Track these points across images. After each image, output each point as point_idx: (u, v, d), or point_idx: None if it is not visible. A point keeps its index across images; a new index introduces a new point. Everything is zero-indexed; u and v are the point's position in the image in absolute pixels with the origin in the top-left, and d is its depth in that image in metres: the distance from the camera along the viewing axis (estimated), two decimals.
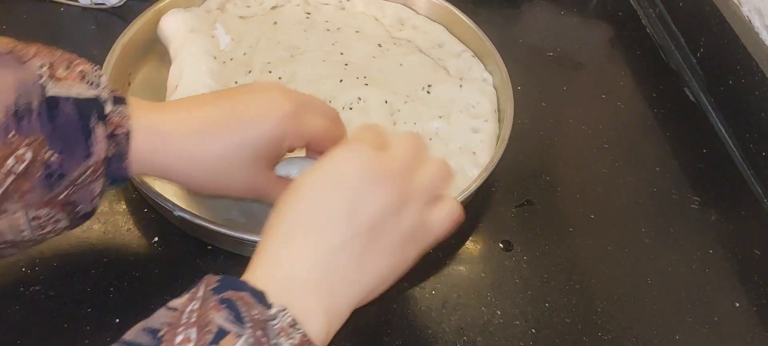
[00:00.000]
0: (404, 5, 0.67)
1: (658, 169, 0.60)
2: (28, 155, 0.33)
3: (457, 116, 0.57)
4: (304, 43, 0.61)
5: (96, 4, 0.67)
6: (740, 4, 0.66)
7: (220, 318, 0.27)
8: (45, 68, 0.34)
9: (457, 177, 0.52)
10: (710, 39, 0.68)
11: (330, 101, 0.55)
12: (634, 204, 0.57)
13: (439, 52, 0.64)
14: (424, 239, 0.36)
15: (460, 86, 0.60)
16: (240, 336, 0.27)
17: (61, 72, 0.35)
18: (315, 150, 0.43)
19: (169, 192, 0.47)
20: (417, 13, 0.67)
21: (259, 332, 0.27)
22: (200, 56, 0.53)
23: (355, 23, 0.65)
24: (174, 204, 0.45)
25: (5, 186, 0.33)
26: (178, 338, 0.27)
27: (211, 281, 0.29)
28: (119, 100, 0.37)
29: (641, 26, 0.78)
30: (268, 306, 0.29)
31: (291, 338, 0.28)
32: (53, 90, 0.34)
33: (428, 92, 0.59)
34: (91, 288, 0.45)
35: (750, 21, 0.65)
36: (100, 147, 0.35)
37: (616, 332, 0.47)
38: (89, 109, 0.35)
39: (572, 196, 0.56)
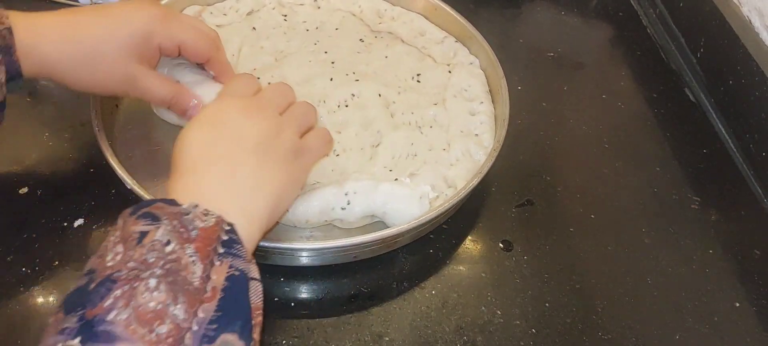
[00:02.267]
0: None
1: (658, 169, 0.60)
2: None
3: (451, 101, 0.57)
4: (287, 46, 0.61)
5: (96, 4, 0.68)
6: (740, 4, 0.66)
7: (139, 226, 0.31)
8: None
9: (464, 162, 0.52)
10: (710, 39, 0.68)
11: (324, 101, 0.55)
12: (635, 204, 0.57)
13: (422, 40, 0.64)
14: (308, 157, 0.43)
15: (449, 72, 0.60)
16: (158, 228, 0.31)
17: None
18: (189, 56, 0.48)
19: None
20: (393, 5, 0.67)
21: (175, 222, 0.31)
22: (185, 67, 0.53)
23: (333, 21, 0.65)
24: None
25: None
26: (108, 258, 0.30)
27: (126, 211, 0.33)
28: None
29: (641, 26, 0.78)
30: (180, 205, 0.33)
31: (206, 221, 0.32)
32: None
33: (418, 81, 0.59)
34: None
35: (750, 21, 0.65)
36: None
37: (616, 332, 0.47)
38: None
39: (572, 196, 0.56)
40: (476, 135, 0.55)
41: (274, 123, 0.40)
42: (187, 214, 0.32)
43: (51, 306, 0.43)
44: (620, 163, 0.60)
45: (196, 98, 0.48)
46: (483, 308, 0.47)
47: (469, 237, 0.52)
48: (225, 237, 0.32)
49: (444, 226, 0.52)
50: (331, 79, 0.57)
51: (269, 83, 0.56)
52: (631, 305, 0.49)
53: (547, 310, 0.48)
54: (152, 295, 0.28)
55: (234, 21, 0.63)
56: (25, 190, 0.50)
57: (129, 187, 0.45)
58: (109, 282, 0.29)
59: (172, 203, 0.33)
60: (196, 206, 0.33)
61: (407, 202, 0.46)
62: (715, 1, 0.67)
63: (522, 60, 0.70)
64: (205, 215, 0.32)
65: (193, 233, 0.31)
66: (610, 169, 0.60)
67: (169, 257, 0.30)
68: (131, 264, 0.29)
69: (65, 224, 0.48)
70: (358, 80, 0.58)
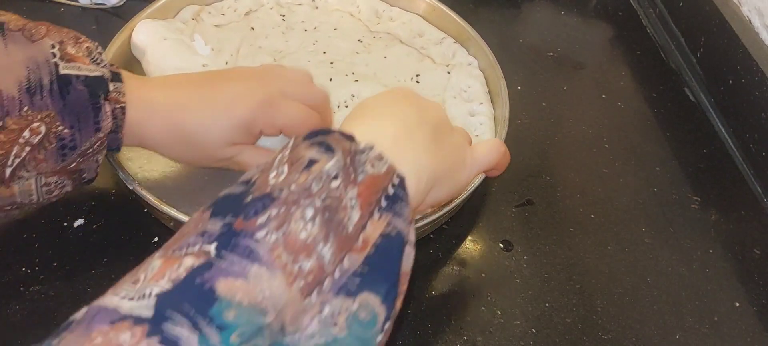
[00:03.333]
0: None
1: (658, 169, 0.60)
2: (43, 129, 0.36)
3: (451, 102, 0.57)
4: (285, 46, 0.61)
5: (96, 4, 0.67)
6: (740, 4, 0.66)
7: (311, 152, 0.30)
8: (56, 47, 0.37)
9: None
10: (710, 39, 0.68)
11: None
12: (634, 204, 0.57)
13: (421, 41, 0.64)
14: (473, 164, 0.40)
15: (448, 73, 0.60)
16: (330, 159, 0.29)
17: (70, 49, 0.38)
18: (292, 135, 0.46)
19: (164, 195, 0.47)
20: (391, 5, 0.67)
21: (347, 159, 0.30)
22: (184, 68, 0.53)
23: (331, 21, 0.65)
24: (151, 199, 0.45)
25: (22, 156, 0.36)
26: (271, 174, 0.29)
27: (299, 136, 0.31)
28: (116, 77, 0.40)
29: (641, 26, 0.78)
30: (357, 143, 0.31)
31: (376, 167, 0.30)
32: (65, 69, 0.37)
33: (418, 82, 0.59)
34: (91, 288, 0.45)
35: (750, 21, 0.65)
36: (107, 122, 0.39)
37: (617, 332, 0.47)
38: (98, 87, 0.38)
39: (572, 196, 0.56)
40: (476, 136, 0.55)
41: (448, 120, 0.39)
42: (362, 153, 0.31)
43: (51, 306, 0.43)
44: (620, 163, 0.60)
45: None
46: (483, 308, 0.47)
47: (469, 237, 0.52)
48: (391, 191, 0.30)
49: (444, 226, 0.52)
50: (331, 80, 0.57)
51: None
52: (631, 305, 0.49)
53: (547, 310, 0.48)
54: (306, 226, 0.27)
55: (232, 21, 0.63)
56: None
57: (131, 188, 0.45)
58: (267, 199, 0.27)
59: (350, 138, 0.31)
60: (372, 147, 0.31)
61: None
62: (715, 1, 0.67)
63: (522, 60, 0.70)
64: (379, 159, 0.31)
65: (360, 177, 0.29)
66: (610, 169, 0.60)
67: (332, 193, 0.28)
68: (294, 187, 0.28)
69: (65, 224, 0.48)
70: (357, 81, 0.58)
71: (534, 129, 0.62)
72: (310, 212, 0.27)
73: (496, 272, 0.50)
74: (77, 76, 0.37)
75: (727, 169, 0.62)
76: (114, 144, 0.41)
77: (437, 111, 0.38)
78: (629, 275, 0.51)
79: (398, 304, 0.29)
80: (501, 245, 0.52)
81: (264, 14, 0.64)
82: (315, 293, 0.27)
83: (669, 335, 0.47)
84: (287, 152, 0.30)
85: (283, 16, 0.64)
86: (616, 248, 0.53)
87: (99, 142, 0.39)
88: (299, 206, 0.27)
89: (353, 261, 0.28)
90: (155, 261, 0.26)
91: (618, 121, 0.65)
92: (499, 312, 0.47)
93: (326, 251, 0.27)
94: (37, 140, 0.36)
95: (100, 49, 0.40)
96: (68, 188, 0.41)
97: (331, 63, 0.59)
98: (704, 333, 0.48)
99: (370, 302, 0.28)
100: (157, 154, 0.44)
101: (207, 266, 0.25)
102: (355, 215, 0.28)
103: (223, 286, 0.24)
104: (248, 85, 0.43)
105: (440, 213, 0.46)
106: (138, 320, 0.23)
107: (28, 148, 0.36)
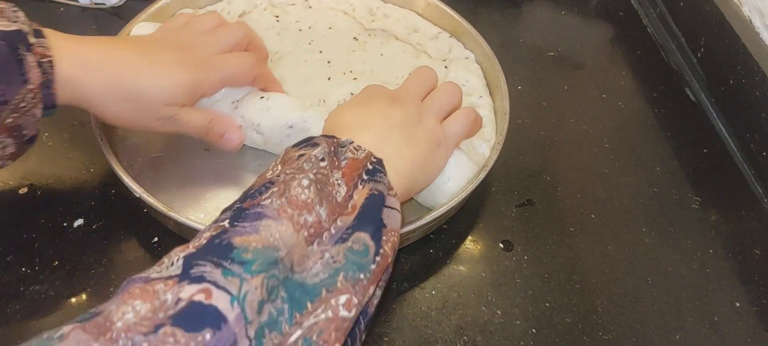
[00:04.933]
0: None
1: (658, 169, 0.60)
2: None
3: None
4: (281, 46, 0.61)
5: (96, 3, 0.67)
6: (741, 3, 0.66)
7: (299, 150, 0.36)
8: None
9: (468, 156, 0.52)
10: (711, 39, 0.68)
11: (324, 100, 0.55)
12: (635, 204, 0.56)
13: (416, 36, 0.64)
14: (447, 143, 0.45)
15: (446, 67, 0.60)
16: (316, 148, 0.35)
17: None
18: (235, 87, 0.49)
19: (163, 197, 0.47)
20: (384, 2, 0.67)
21: (331, 148, 0.36)
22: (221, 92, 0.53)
23: (325, 20, 0.65)
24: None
25: None
26: (268, 173, 0.35)
27: (289, 146, 0.37)
28: (38, 33, 0.40)
29: (642, 26, 0.78)
30: (338, 138, 0.37)
31: (356, 154, 0.36)
32: None
33: None
34: (91, 288, 0.45)
35: (750, 21, 0.65)
36: (34, 73, 0.38)
37: (617, 332, 0.47)
38: (16, 40, 0.38)
39: (572, 196, 0.56)
40: None
41: (416, 111, 0.43)
42: (343, 146, 0.37)
43: (50, 306, 0.43)
44: (620, 163, 0.60)
45: (231, 122, 0.48)
46: (483, 308, 0.47)
47: (469, 237, 0.52)
48: (370, 167, 0.36)
49: (444, 226, 0.52)
50: (329, 79, 0.57)
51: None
52: (631, 305, 0.49)
53: (547, 310, 0.48)
54: (304, 191, 0.32)
55: None
56: (25, 190, 0.50)
57: (138, 195, 0.45)
58: (268, 183, 0.33)
59: (332, 137, 0.37)
60: (352, 141, 0.37)
61: (458, 164, 0.47)
62: (715, 1, 0.67)
63: (522, 60, 0.70)
64: (358, 149, 0.36)
65: (343, 163, 0.35)
66: (610, 169, 0.59)
67: (321, 170, 0.34)
68: (288, 170, 0.34)
69: (65, 224, 0.48)
70: (355, 79, 0.58)
71: (534, 129, 0.62)
72: (306, 182, 0.33)
73: (496, 272, 0.50)
74: None
75: (728, 170, 0.62)
76: (48, 100, 0.40)
77: (401, 108, 0.43)
78: (629, 275, 0.51)
79: (388, 248, 0.34)
80: (501, 245, 0.52)
81: (258, 16, 0.64)
82: (316, 243, 0.32)
83: (669, 335, 0.47)
84: (279, 158, 0.36)
85: (277, 16, 0.64)
86: (616, 248, 0.53)
87: (31, 95, 0.39)
88: (296, 178, 0.33)
89: (345, 221, 0.33)
90: (178, 247, 0.30)
91: (618, 121, 0.65)
92: (499, 312, 0.47)
93: (322, 211, 0.32)
94: None
95: (15, 8, 0.40)
96: (12, 149, 0.41)
97: (328, 62, 0.59)
98: (704, 333, 0.48)
99: (361, 238, 0.32)
100: (94, 112, 0.44)
101: (223, 232, 0.30)
102: (343, 190, 0.34)
103: (239, 240, 0.29)
104: (183, 53, 0.45)
105: (440, 213, 0.46)
106: (169, 278, 0.27)
107: None
